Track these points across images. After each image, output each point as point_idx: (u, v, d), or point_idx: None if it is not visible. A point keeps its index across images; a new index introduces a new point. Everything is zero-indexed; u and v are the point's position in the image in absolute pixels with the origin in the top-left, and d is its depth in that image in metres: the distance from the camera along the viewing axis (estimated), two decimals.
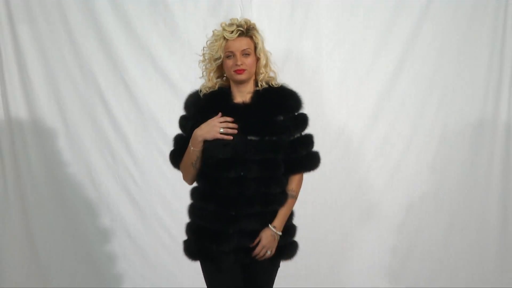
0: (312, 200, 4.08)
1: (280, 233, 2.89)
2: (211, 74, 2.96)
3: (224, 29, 2.87)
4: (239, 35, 2.85)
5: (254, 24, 2.91)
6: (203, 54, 2.95)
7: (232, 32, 2.84)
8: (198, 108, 2.95)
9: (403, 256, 4.24)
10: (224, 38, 2.86)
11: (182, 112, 3.03)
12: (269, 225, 2.86)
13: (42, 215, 4.20)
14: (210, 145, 2.83)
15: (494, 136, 4.18)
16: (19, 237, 4.22)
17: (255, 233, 2.86)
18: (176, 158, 3.01)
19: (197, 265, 3.53)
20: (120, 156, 4.19)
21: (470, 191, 4.22)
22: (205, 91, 2.95)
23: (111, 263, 4.25)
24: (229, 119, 2.83)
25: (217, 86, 2.96)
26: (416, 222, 4.22)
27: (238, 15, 4.00)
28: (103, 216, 4.23)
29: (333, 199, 4.20)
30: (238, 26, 2.86)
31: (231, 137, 2.79)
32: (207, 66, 2.96)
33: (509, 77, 4.13)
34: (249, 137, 2.81)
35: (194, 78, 4.05)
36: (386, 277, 4.24)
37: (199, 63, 2.99)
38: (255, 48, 2.89)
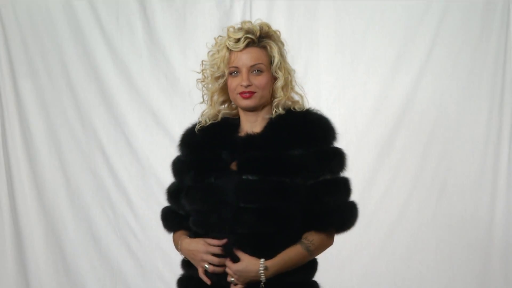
0: None
1: (264, 278, 2.11)
2: (214, 98, 2.29)
3: (228, 36, 2.18)
4: (248, 45, 2.16)
5: (271, 31, 2.22)
6: (202, 71, 2.30)
7: (238, 40, 2.15)
8: (191, 146, 2.36)
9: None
10: (228, 48, 2.18)
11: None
12: (262, 260, 2.11)
13: (41, 270, 4.17)
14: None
15: (494, 190, 4.16)
16: None
17: None
18: (169, 221, 2.44)
19: None
20: (120, 211, 4.18)
21: (471, 246, 4.19)
22: (204, 123, 2.32)
23: None
24: (216, 247, 2.14)
25: (220, 116, 2.30)
26: (416, 276, 4.18)
27: None
28: (103, 271, 4.19)
29: (334, 255, 4.16)
30: (247, 32, 2.16)
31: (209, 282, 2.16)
32: (208, 86, 2.30)
33: (509, 131, 4.14)
34: (244, 176, 2.12)
35: None
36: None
37: (197, 83, 2.37)
38: (271, 63, 2.19)
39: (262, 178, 2.09)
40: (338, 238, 4.09)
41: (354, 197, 4.00)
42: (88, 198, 4.18)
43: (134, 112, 4.15)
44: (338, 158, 2.28)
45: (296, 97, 2.30)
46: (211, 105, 2.31)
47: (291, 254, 2.15)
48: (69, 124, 4.17)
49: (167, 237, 4.12)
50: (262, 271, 2.10)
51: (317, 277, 4.18)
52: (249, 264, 2.10)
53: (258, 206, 2.10)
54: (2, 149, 4.17)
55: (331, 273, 4.15)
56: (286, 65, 2.24)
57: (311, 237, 2.18)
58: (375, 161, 4.13)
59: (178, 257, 4.07)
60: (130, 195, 4.17)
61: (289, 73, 2.24)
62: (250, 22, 2.22)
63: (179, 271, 4.16)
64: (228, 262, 2.13)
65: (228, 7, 4.11)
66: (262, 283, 2.11)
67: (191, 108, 4.08)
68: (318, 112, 2.24)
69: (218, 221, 2.15)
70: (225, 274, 2.15)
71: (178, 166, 2.44)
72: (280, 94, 2.19)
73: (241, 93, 2.15)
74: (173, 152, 4.08)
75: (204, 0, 4.14)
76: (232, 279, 2.13)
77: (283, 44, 2.25)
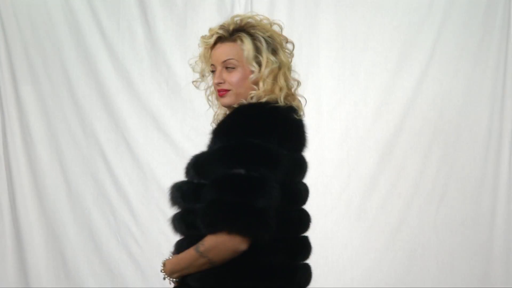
0: (313, 260, 4.04)
1: (163, 274, 2.29)
2: (210, 98, 2.26)
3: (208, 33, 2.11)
4: (220, 41, 2.07)
5: (253, 23, 2.10)
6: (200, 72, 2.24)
7: (211, 36, 2.08)
8: None
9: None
10: (204, 45, 2.13)
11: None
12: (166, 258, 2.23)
13: (42, 276, 4.17)
14: None
15: (495, 195, 4.16)
16: None
17: None
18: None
19: None
20: (121, 216, 4.18)
21: (473, 252, 4.18)
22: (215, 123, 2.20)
23: None
24: None
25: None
26: (418, 281, 4.18)
27: None
28: (104, 276, 4.19)
29: (334, 259, 4.17)
30: (220, 27, 2.09)
31: None
32: (206, 90, 2.25)
33: (510, 136, 4.14)
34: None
35: (196, 138, 4.11)
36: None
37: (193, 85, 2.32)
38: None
39: (183, 181, 2.12)
40: (338, 242, 4.12)
41: (355, 201, 4.04)
42: (88, 203, 4.18)
43: (134, 117, 4.16)
44: (234, 152, 1.92)
45: (278, 91, 2.13)
46: (211, 106, 2.24)
47: (183, 254, 2.12)
48: (70, 129, 4.17)
49: (168, 242, 4.14)
50: (162, 267, 2.25)
51: (317, 281, 4.20)
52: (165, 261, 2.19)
53: (178, 209, 2.19)
54: (3, 154, 4.17)
55: (332, 277, 4.17)
56: (269, 57, 2.07)
57: (205, 238, 1.98)
58: (376, 166, 4.13)
59: None
60: (131, 200, 4.17)
61: (272, 65, 2.08)
62: (238, 15, 2.12)
63: None
64: None
65: (229, 12, 4.11)
66: (164, 277, 2.23)
67: (192, 113, 4.13)
68: (250, 103, 2.03)
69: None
70: None
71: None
72: (259, 87, 2.04)
73: (218, 91, 2.09)
74: (174, 157, 4.11)
75: (205, 5, 4.15)
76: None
77: (270, 34, 2.11)
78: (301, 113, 2.16)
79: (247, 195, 1.87)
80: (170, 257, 2.21)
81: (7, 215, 4.18)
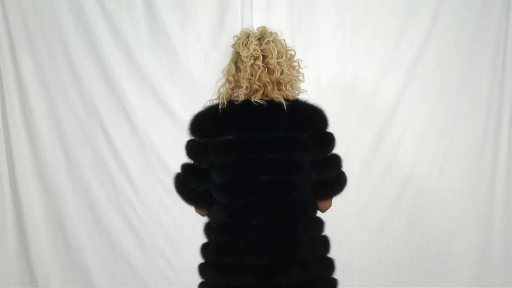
0: None
1: None
2: None
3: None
4: None
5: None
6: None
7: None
8: None
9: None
10: None
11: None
12: None
13: (42, 247, 4.19)
14: None
15: (494, 167, 4.17)
16: (18, 270, 4.22)
17: None
18: None
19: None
20: (121, 187, 4.19)
21: (471, 222, 4.20)
22: None
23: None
24: None
25: None
26: (415, 254, 4.20)
27: None
28: (103, 247, 4.21)
29: (333, 231, 4.17)
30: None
31: None
32: None
33: (509, 108, 4.14)
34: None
35: (195, 109, 4.10)
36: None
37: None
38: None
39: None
40: (338, 214, 4.14)
41: (354, 173, 4.05)
42: (88, 174, 4.19)
43: (134, 88, 4.15)
44: None
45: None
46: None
47: None
48: (69, 100, 4.16)
49: (167, 213, 4.17)
50: None
51: None
52: None
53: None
54: (2, 125, 4.17)
55: (331, 249, 4.18)
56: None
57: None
58: (376, 138, 4.14)
59: (178, 233, 4.16)
60: (130, 171, 4.17)
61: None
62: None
63: (178, 246, 4.23)
64: None
65: None
66: None
67: (192, 84, 4.13)
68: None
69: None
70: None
71: None
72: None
73: None
74: (173, 128, 4.12)
75: None
76: None
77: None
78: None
79: None
80: None
81: (6, 187, 4.19)
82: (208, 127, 2.51)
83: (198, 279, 2.72)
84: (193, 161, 2.56)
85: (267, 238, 2.42)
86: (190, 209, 2.82)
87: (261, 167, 2.43)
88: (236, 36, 2.58)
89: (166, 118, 4.14)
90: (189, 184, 2.58)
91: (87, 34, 4.13)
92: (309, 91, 4.10)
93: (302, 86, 2.62)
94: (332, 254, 4.12)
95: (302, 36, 4.10)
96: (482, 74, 4.13)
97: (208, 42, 4.12)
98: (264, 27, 2.56)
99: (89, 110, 4.16)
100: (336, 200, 4.11)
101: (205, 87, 4.10)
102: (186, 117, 4.10)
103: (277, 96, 2.44)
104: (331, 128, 2.65)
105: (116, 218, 4.20)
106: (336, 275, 4.19)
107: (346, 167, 4.10)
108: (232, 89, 2.51)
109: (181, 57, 4.13)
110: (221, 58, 4.04)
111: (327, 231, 4.19)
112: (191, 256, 2.98)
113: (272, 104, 2.43)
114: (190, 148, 2.58)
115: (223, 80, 2.54)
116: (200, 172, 2.53)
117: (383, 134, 4.14)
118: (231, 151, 2.45)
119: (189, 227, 3.59)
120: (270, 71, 2.45)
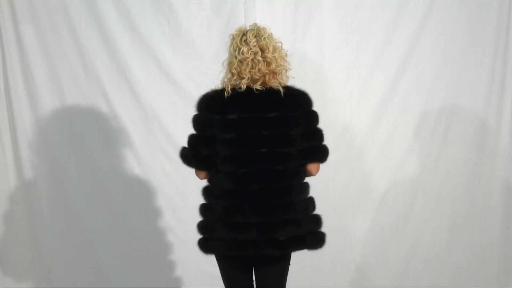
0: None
1: None
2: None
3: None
4: None
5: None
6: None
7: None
8: None
9: (406, 256, 4.24)
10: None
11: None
12: None
13: (45, 214, 4.20)
14: None
15: (497, 136, 4.17)
16: (22, 237, 4.23)
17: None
18: None
19: (201, 265, 3.52)
20: (123, 156, 4.19)
21: (473, 191, 4.21)
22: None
23: (115, 263, 4.24)
24: None
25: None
26: (419, 222, 4.22)
27: (242, 15, 4.03)
28: (106, 216, 4.22)
29: (336, 199, 4.19)
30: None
31: None
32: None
33: None
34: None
35: (198, 78, 4.09)
36: (389, 276, 4.23)
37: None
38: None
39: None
40: (341, 184, 4.15)
41: (357, 142, 4.06)
42: (90, 143, 4.18)
43: (136, 57, 4.13)
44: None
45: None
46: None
47: None
48: (71, 69, 4.15)
49: (170, 182, 4.18)
50: None
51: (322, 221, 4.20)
52: None
53: None
54: (5, 94, 4.16)
55: (333, 217, 4.20)
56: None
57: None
58: (378, 107, 4.14)
59: (181, 202, 4.18)
60: (133, 140, 4.17)
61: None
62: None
63: (181, 215, 4.25)
64: None
65: None
66: None
67: (194, 53, 4.11)
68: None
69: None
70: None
71: None
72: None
73: None
74: (176, 97, 4.11)
75: None
76: None
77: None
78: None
79: None
80: None
81: (9, 157, 4.19)
82: (214, 105, 2.89)
83: None
84: (199, 132, 2.91)
85: (266, 200, 2.83)
86: (193, 178, 2.97)
87: (260, 142, 2.85)
88: (231, 35, 2.94)
89: (168, 87, 4.13)
90: (194, 148, 2.92)
91: (89, 3, 4.10)
92: (312, 60, 4.10)
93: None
94: (334, 223, 4.19)
95: (305, 4, 4.08)
96: (486, 44, 4.14)
97: (211, 11, 4.10)
98: (255, 23, 2.97)
99: (91, 79, 4.15)
100: (339, 170, 4.15)
101: (207, 56, 4.09)
102: (189, 86, 4.12)
103: (276, 84, 2.88)
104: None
105: (118, 187, 4.20)
106: (339, 243, 4.24)
107: (349, 136, 4.14)
108: (235, 79, 2.90)
109: (183, 25, 4.11)
110: (224, 27, 4.04)
111: (330, 201, 4.24)
112: (193, 225, 2.99)
113: (270, 91, 2.87)
114: (197, 120, 2.92)
115: (226, 71, 2.94)
116: (206, 139, 2.89)
117: (386, 104, 4.14)
118: (235, 128, 2.85)
119: (192, 196, 3.58)
120: (267, 64, 2.87)
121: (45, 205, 4.21)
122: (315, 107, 2.96)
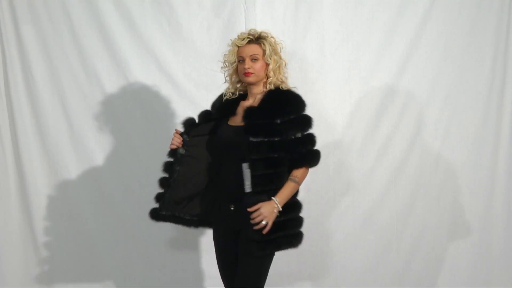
0: (315, 201, 4.08)
1: (281, 208, 2.98)
2: (233, 79, 3.25)
3: (238, 38, 3.18)
4: (249, 42, 3.13)
5: (267, 34, 3.17)
6: (224, 62, 3.24)
7: (243, 39, 3.14)
8: (217, 110, 3.28)
9: (406, 256, 4.24)
10: (236, 45, 3.16)
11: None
12: (273, 197, 2.98)
13: (45, 213, 4.21)
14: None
15: (497, 136, 4.18)
16: (21, 237, 4.24)
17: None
18: None
19: (201, 265, 3.53)
20: (123, 155, 4.19)
21: (473, 191, 4.22)
22: (228, 96, 3.26)
23: (115, 263, 4.25)
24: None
25: (237, 93, 3.27)
26: (419, 222, 4.22)
27: (242, 16, 4.03)
28: (106, 217, 4.23)
29: (336, 200, 4.20)
30: (249, 34, 3.16)
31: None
32: (227, 70, 3.26)
33: None
34: (250, 139, 3.00)
35: (198, 78, 4.09)
36: (389, 277, 4.24)
37: (221, 69, 3.25)
38: (264, 54, 3.12)
39: (261, 140, 3.00)
40: (341, 184, 4.16)
41: (358, 141, 4.07)
42: (90, 142, 4.19)
43: (136, 57, 4.14)
44: (305, 122, 3.08)
45: (284, 78, 3.18)
46: (231, 84, 3.27)
47: (287, 188, 3.04)
48: (71, 69, 4.16)
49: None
50: (277, 204, 2.98)
51: (322, 221, 4.23)
52: (266, 205, 2.97)
53: (261, 157, 3.01)
54: (5, 94, 4.17)
55: (334, 217, 4.20)
56: (277, 57, 3.15)
57: (294, 173, 3.06)
58: (379, 106, 4.14)
59: None
60: (133, 139, 4.18)
61: (278, 62, 3.15)
62: (254, 29, 3.20)
63: None
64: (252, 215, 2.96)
65: None
66: (279, 211, 2.99)
67: (194, 53, 4.12)
68: (294, 92, 3.14)
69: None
70: None
71: (203, 114, 3.34)
72: (271, 75, 3.14)
73: (244, 73, 3.11)
74: (175, 97, 4.12)
75: None
76: (264, 222, 2.94)
77: (276, 45, 3.17)
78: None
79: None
80: (274, 199, 2.99)
81: (9, 155, 4.20)
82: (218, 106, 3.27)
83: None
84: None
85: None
86: None
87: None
88: (231, 39, 3.18)
89: (168, 86, 4.14)
90: None
91: (89, 3, 4.11)
92: (313, 60, 4.09)
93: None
94: (335, 221, 4.19)
95: (306, 3, 4.09)
96: (486, 43, 4.14)
97: (211, 11, 4.10)
98: (255, 29, 3.19)
99: (91, 79, 4.16)
100: (340, 170, 4.15)
101: (207, 56, 4.10)
102: (188, 86, 4.12)
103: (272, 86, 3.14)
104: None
105: (118, 187, 4.21)
106: (340, 242, 4.24)
107: (349, 135, 4.14)
108: (239, 81, 3.24)
109: (183, 26, 4.12)
110: (224, 27, 4.05)
111: (330, 201, 4.24)
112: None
113: (269, 93, 3.12)
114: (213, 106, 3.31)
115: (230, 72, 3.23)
116: None
117: (386, 104, 4.14)
118: None
119: None
120: (267, 65, 3.12)
121: (45, 205, 4.22)
122: (315, 107, 2.97)
